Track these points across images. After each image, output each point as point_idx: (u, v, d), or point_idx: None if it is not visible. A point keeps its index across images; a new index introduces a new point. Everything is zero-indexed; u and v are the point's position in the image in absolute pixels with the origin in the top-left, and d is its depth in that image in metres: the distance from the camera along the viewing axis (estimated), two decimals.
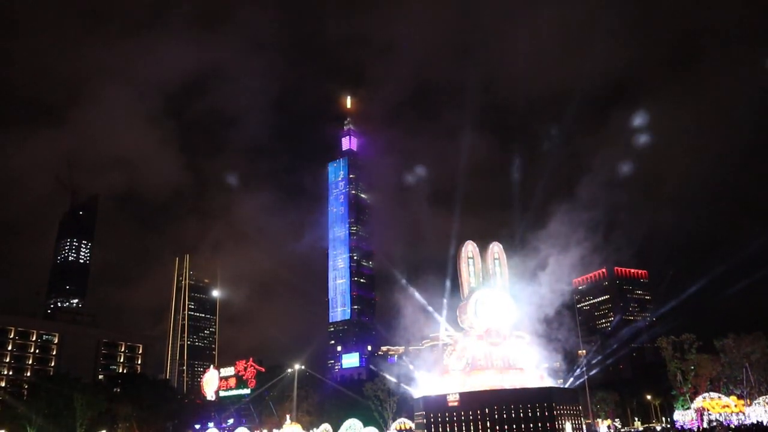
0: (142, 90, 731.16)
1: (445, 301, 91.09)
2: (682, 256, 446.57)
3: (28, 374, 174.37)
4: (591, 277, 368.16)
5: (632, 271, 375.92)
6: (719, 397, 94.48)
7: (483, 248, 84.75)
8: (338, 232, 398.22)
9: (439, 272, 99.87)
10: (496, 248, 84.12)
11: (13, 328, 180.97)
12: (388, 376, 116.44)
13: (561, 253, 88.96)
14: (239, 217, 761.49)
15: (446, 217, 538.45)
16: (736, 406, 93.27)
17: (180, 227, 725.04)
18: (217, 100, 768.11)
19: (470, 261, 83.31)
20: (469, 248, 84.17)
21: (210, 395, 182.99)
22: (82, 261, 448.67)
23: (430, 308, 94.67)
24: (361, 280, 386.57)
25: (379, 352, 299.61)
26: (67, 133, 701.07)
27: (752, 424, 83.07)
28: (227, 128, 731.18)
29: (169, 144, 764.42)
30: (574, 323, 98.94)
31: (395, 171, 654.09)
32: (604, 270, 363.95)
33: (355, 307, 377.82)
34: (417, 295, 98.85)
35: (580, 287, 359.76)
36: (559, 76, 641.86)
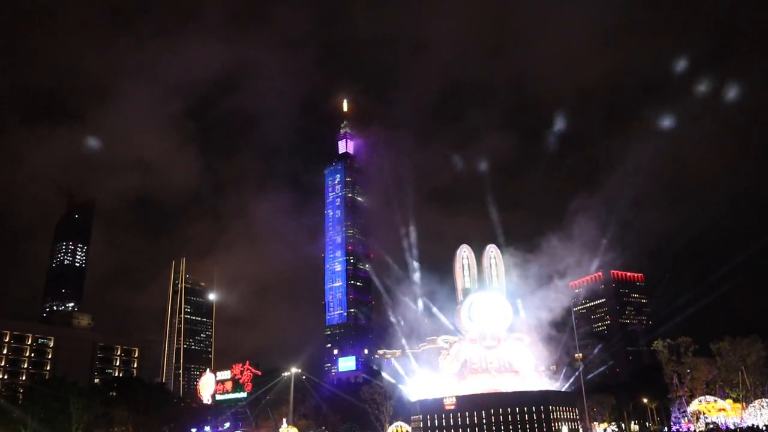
0: (163, 91, 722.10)
1: (438, 304, 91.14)
2: (678, 259, 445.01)
3: (24, 378, 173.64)
4: (587, 280, 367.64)
5: (628, 274, 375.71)
6: (715, 401, 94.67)
7: (483, 251, 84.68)
8: (334, 235, 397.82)
9: (438, 276, 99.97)
10: (492, 251, 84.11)
11: (8, 332, 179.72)
12: (386, 377, 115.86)
13: (568, 255, 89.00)
14: (243, 221, 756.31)
15: (449, 219, 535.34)
16: (732, 409, 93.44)
17: (183, 230, 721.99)
18: (241, 101, 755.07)
19: (466, 264, 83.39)
20: (465, 252, 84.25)
21: (206, 399, 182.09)
22: (78, 264, 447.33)
23: (427, 311, 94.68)
24: (358, 284, 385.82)
25: (376, 356, 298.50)
26: (86, 134, 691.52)
27: (748, 427, 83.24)
28: (247, 131, 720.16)
29: (185, 146, 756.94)
30: (571, 326, 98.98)
31: (397, 173, 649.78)
32: (600, 273, 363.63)
33: (352, 310, 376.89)
34: (414, 298, 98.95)
35: (576, 290, 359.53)
36: (587, 75, 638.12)
